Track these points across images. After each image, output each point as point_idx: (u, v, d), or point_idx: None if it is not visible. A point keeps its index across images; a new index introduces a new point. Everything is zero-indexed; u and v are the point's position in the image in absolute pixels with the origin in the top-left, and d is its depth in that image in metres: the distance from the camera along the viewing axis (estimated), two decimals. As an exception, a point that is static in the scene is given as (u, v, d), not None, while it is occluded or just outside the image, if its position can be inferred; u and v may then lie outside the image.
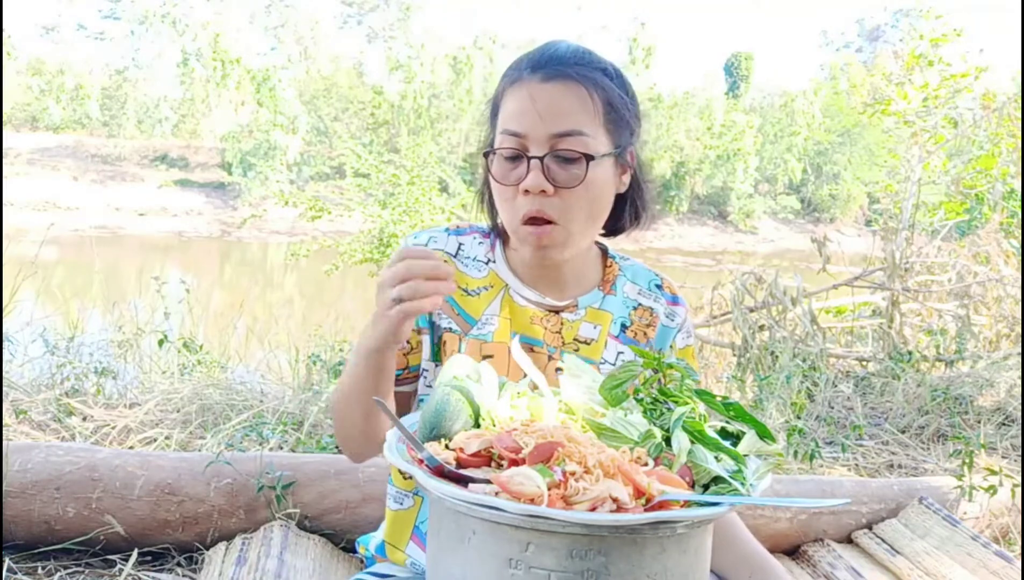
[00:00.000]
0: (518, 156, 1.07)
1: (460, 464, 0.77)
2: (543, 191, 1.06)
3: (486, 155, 1.15)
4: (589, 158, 1.06)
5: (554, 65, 1.08)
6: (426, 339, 1.17)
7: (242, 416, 2.63)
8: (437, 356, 1.15)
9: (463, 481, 0.74)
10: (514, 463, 0.74)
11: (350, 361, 1.06)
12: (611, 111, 1.09)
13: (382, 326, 0.95)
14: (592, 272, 1.21)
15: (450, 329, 1.16)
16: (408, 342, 1.17)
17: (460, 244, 1.20)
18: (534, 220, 1.07)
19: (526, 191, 1.06)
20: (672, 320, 1.21)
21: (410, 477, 1.15)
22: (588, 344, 1.16)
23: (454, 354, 1.02)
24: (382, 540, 1.22)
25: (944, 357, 4.56)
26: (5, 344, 3.14)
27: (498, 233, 1.21)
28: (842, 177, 28.54)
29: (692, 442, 0.81)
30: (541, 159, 1.05)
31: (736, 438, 0.87)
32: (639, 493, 0.72)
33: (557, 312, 1.17)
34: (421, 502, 1.18)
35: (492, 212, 1.20)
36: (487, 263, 1.19)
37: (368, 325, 1.00)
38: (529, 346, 1.12)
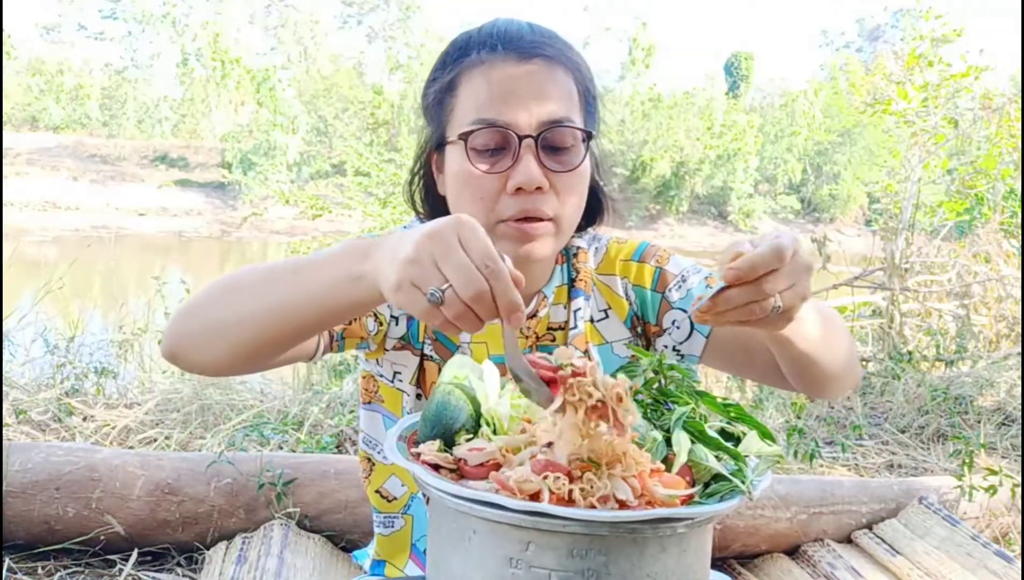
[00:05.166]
0: (501, 146, 0.93)
1: (464, 475, 0.76)
2: (539, 188, 0.92)
3: (440, 147, 1.00)
4: (588, 137, 0.95)
5: (525, 44, 0.94)
6: (411, 359, 1.07)
7: (242, 416, 2.63)
8: (420, 381, 1.07)
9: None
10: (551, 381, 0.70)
11: (317, 261, 0.79)
12: (587, 94, 0.99)
13: (397, 299, 0.68)
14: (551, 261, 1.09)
15: (431, 357, 1.06)
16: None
17: None
18: (523, 219, 0.95)
19: (517, 189, 0.92)
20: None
21: (393, 499, 1.10)
22: (562, 329, 1.08)
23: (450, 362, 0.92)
24: (382, 561, 1.15)
25: (944, 357, 4.56)
26: (5, 344, 3.14)
27: None
28: (842, 177, 28.50)
29: (692, 442, 0.81)
30: (536, 140, 0.92)
31: (736, 440, 0.87)
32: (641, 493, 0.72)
33: (530, 316, 1.06)
34: (412, 520, 1.10)
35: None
36: None
37: (381, 264, 0.71)
38: (502, 366, 1.05)
